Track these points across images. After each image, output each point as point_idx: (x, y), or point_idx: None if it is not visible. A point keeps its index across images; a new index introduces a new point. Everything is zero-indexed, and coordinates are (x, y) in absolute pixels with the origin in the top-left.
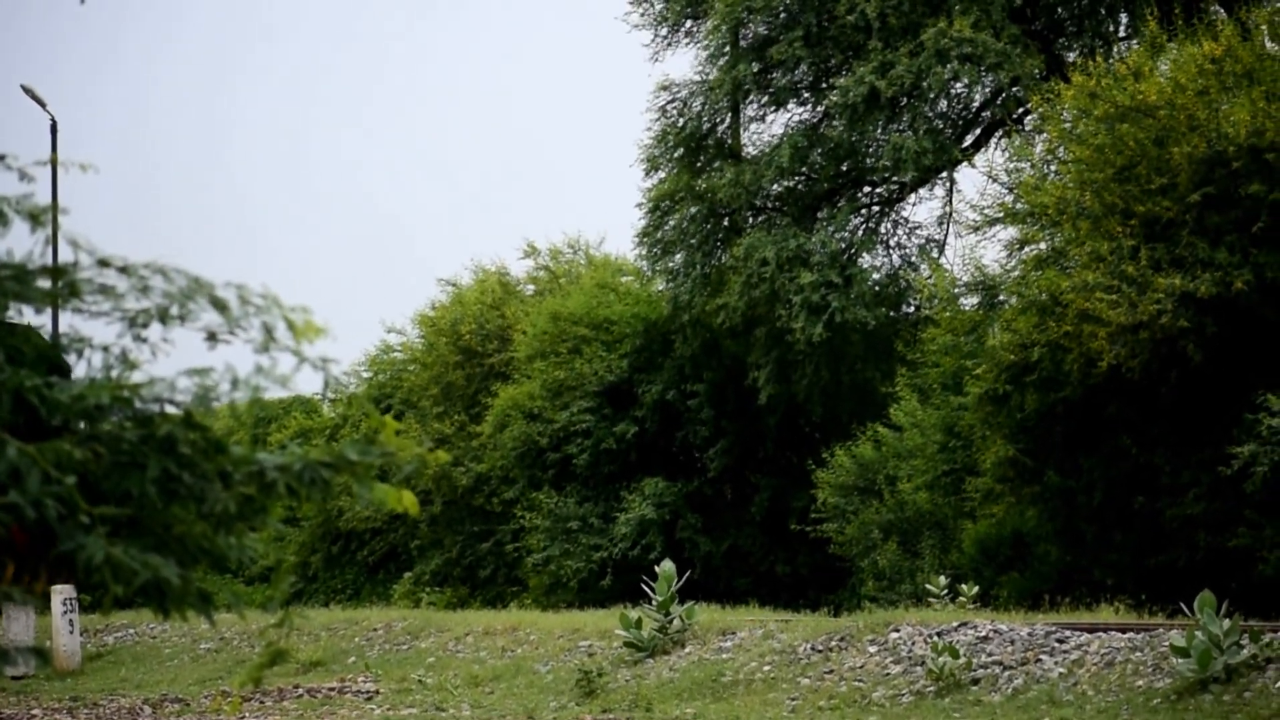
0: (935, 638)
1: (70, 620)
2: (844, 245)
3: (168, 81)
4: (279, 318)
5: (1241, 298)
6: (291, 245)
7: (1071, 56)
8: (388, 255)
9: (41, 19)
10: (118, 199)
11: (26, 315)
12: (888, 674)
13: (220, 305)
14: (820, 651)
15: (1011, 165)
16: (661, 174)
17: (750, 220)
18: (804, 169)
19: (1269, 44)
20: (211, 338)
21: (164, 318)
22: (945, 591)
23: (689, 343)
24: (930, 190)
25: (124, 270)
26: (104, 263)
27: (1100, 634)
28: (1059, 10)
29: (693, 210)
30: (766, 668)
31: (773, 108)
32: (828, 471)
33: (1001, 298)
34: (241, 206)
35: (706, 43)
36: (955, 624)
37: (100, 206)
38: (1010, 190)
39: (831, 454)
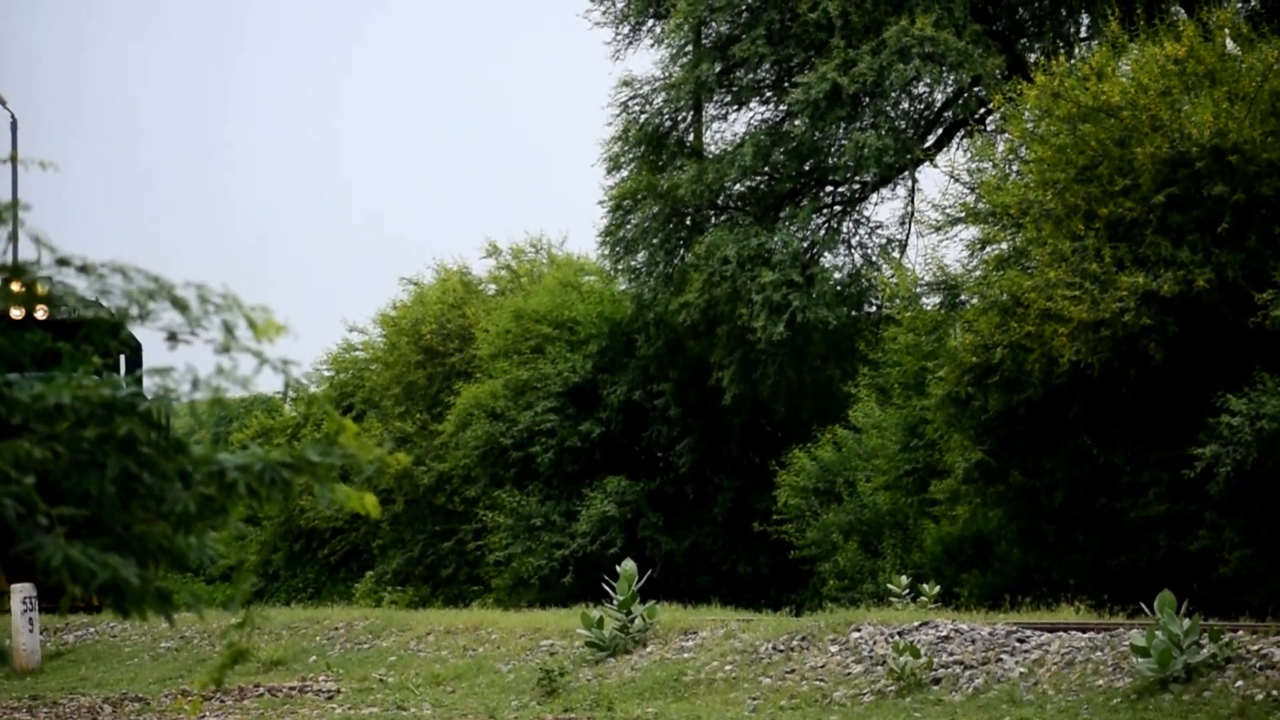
0: (896, 637)
1: (30, 619)
2: (806, 244)
3: (151, 81)
4: (239, 317)
5: (1203, 296)
6: (252, 243)
7: (1033, 56)
8: (349, 254)
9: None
10: (92, 198)
11: None
12: (849, 674)
13: (180, 305)
14: (781, 651)
15: (973, 165)
16: (624, 173)
17: (712, 219)
18: (766, 168)
19: (1230, 45)
20: (172, 337)
21: (124, 318)
22: (907, 591)
23: (651, 342)
24: (892, 190)
25: (84, 269)
26: (63, 262)
27: (1061, 634)
28: (1020, 10)
29: (655, 209)
30: (728, 667)
31: (735, 106)
32: (788, 473)
33: (963, 297)
34: (200, 204)
35: (669, 41)
36: (916, 624)
37: (72, 205)
38: (972, 190)
39: (791, 456)
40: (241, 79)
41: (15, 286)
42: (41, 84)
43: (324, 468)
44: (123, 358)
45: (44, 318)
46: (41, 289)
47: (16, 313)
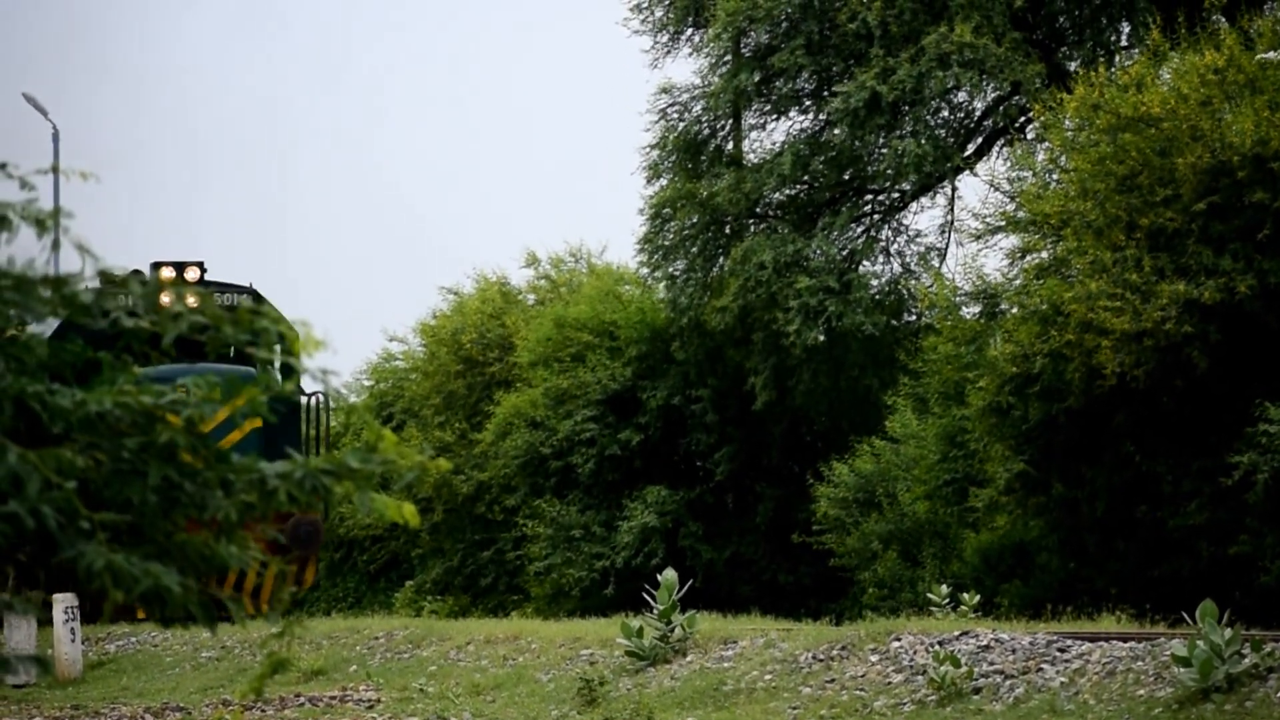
0: (936, 647)
1: (72, 629)
2: (844, 252)
3: (163, 90)
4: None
5: (1245, 304)
6: (293, 252)
7: (1073, 65)
8: (390, 264)
9: (42, 26)
10: (146, 204)
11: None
12: (889, 683)
13: (218, 320)
14: (821, 661)
15: (1013, 174)
16: (663, 181)
17: (751, 227)
18: (805, 176)
19: (1270, 53)
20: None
21: (163, 329)
22: (947, 601)
23: (687, 347)
24: (932, 198)
25: (116, 281)
26: (104, 274)
27: (1101, 643)
28: (1061, 18)
29: (693, 217)
30: (768, 676)
31: (774, 115)
32: (827, 485)
33: (1003, 307)
34: (241, 211)
35: (708, 51)
36: (956, 633)
37: (125, 210)
38: (1012, 199)
39: (830, 467)
40: (290, 89)
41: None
42: (99, 92)
43: (364, 475)
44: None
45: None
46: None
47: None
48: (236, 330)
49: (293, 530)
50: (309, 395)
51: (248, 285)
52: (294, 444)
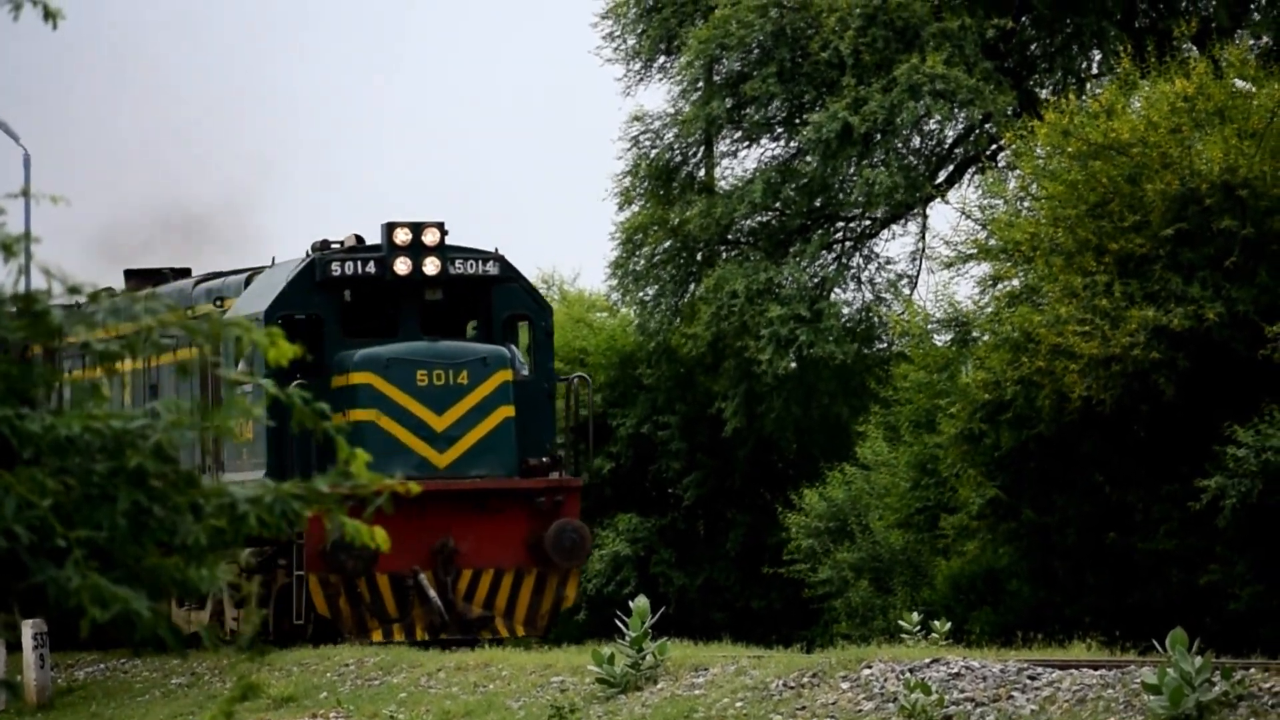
0: (907, 674)
1: (41, 655)
2: (815, 280)
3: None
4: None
5: (1213, 331)
6: None
7: (1044, 93)
8: None
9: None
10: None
11: None
12: (860, 710)
13: (193, 332)
14: (792, 688)
15: (984, 201)
16: (635, 207)
17: (722, 254)
18: (777, 204)
19: (1239, 82)
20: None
21: (134, 349)
22: (918, 628)
23: (656, 369)
24: (903, 226)
25: (93, 299)
26: (75, 290)
27: (1072, 671)
28: (1032, 47)
29: (665, 243)
30: (739, 704)
31: (746, 143)
32: (798, 514)
33: (974, 334)
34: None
35: (679, 78)
36: (927, 660)
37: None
38: (983, 226)
39: (800, 495)
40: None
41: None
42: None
43: (334, 499)
44: (531, 332)
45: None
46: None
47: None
48: (208, 342)
49: (555, 539)
50: (566, 379)
51: (494, 251)
52: (547, 433)
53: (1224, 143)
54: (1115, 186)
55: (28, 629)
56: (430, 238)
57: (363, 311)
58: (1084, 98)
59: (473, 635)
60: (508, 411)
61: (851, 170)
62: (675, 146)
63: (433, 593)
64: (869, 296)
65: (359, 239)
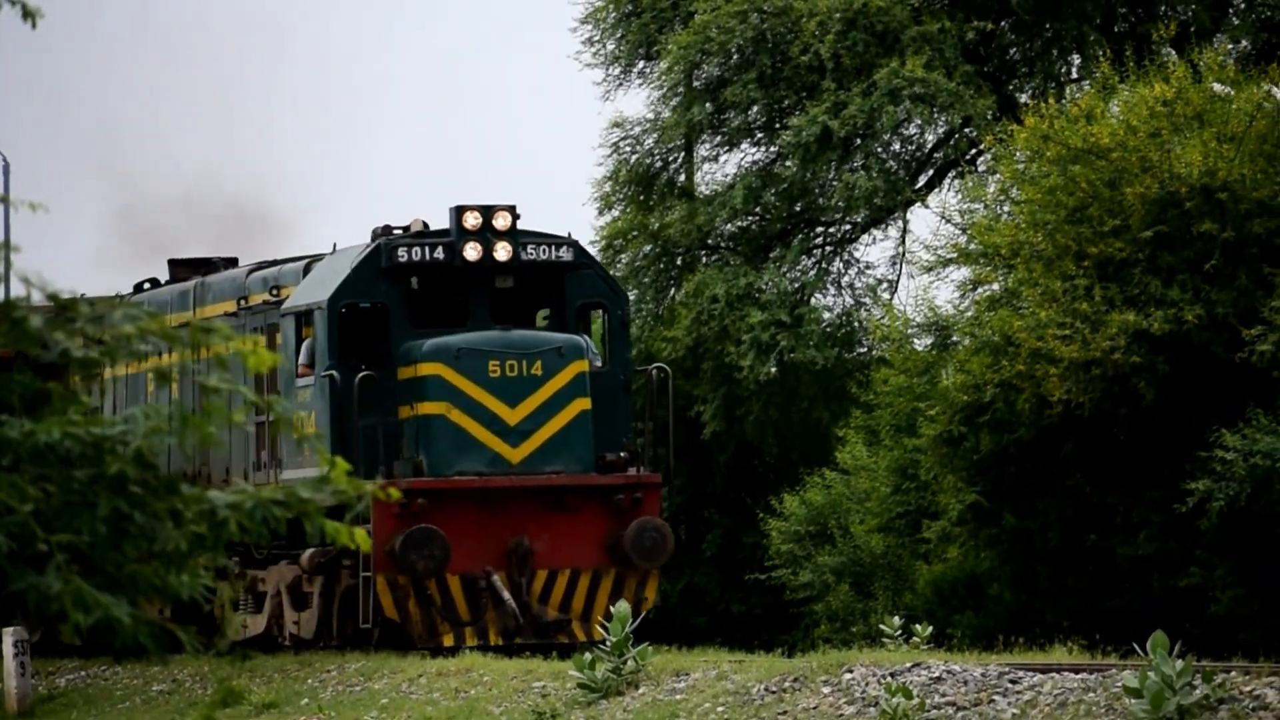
0: (889, 678)
1: (22, 662)
2: (795, 285)
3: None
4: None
5: (1193, 335)
6: None
7: (1024, 97)
8: None
9: None
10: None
11: None
12: (841, 715)
13: (172, 339)
14: (774, 692)
15: (964, 206)
16: (615, 212)
17: (703, 259)
18: (757, 209)
19: (1218, 86)
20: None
21: (113, 357)
22: (899, 632)
23: (636, 377)
24: (883, 230)
25: (72, 306)
26: (54, 298)
27: (1053, 675)
28: (1011, 51)
29: (645, 249)
30: (720, 709)
31: (726, 148)
32: (778, 519)
33: (954, 338)
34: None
35: (659, 83)
36: (908, 665)
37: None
38: (963, 231)
39: (780, 500)
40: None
41: None
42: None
43: (314, 505)
44: (606, 321)
45: None
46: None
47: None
48: (189, 350)
49: (635, 538)
50: (644, 370)
51: (568, 236)
52: (623, 427)
53: (1203, 146)
54: (1095, 190)
55: (8, 636)
56: (501, 222)
57: (430, 300)
58: (1063, 102)
59: (549, 639)
60: (584, 404)
61: (831, 175)
62: (655, 152)
63: (507, 595)
64: (849, 301)
65: (424, 224)
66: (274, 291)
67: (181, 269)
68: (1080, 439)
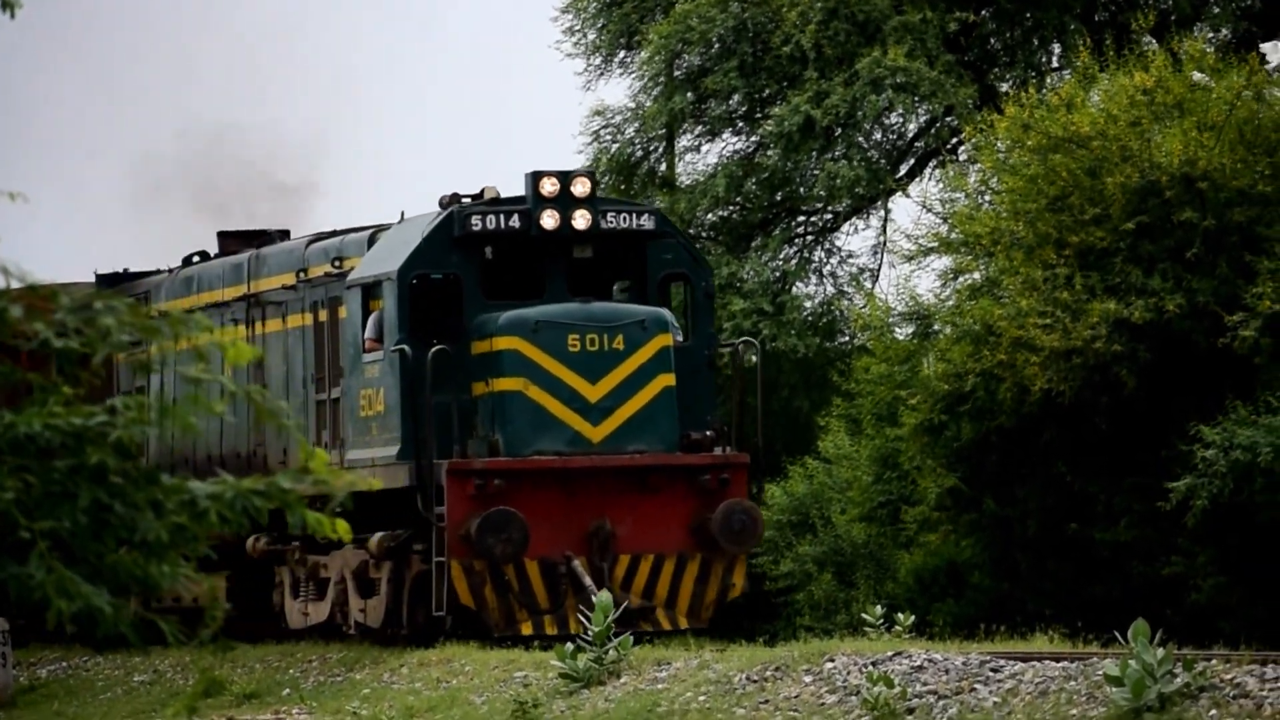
0: (870, 667)
1: (3, 653)
2: (777, 274)
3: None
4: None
5: (1174, 323)
6: None
7: (1005, 86)
8: None
9: None
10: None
11: None
12: (823, 704)
13: (152, 331)
14: (755, 682)
15: (946, 195)
16: None
17: None
18: (738, 198)
19: (1198, 75)
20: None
21: (93, 348)
22: (881, 621)
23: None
24: (865, 219)
25: (53, 298)
26: (35, 290)
27: (1035, 663)
28: (992, 40)
29: None
30: (702, 698)
31: (707, 137)
32: (761, 508)
33: (936, 327)
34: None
35: (640, 73)
36: (890, 653)
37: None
38: (944, 220)
39: (762, 489)
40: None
41: None
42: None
43: (295, 496)
44: (689, 293)
45: None
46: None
47: None
48: (162, 341)
49: (723, 521)
50: (730, 344)
51: (650, 204)
52: (707, 405)
53: (1184, 135)
54: (1075, 180)
55: None
56: (580, 188)
57: (505, 270)
58: (1044, 91)
59: (631, 628)
60: (668, 380)
61: (813, 164)
62: (636, 141)
63: (588, 581)
64: (831, 290)
65: (497, 192)
66: (336, 263)
67: (231, 241)
68: (1061, 427)
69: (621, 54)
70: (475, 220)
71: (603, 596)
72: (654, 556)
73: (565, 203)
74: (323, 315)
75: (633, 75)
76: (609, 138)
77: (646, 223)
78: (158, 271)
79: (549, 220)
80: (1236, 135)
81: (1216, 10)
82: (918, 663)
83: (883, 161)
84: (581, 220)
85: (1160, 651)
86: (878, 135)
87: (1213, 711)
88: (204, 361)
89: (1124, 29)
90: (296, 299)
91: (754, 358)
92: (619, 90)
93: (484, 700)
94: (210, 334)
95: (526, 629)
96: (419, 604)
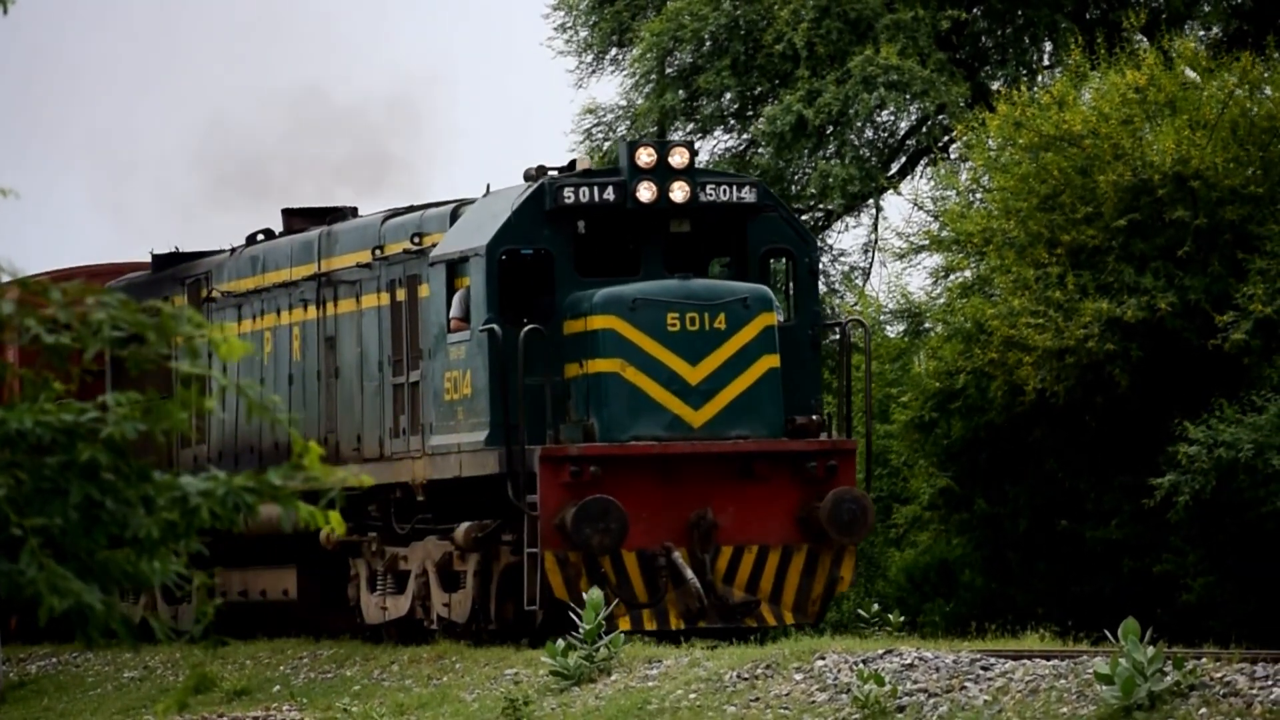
0: (860, 665)
1: None
2: None
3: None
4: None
5: (1166, 321)
6: None
7: (996, 85)
8: None
9: None
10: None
11: None
12: (813, 701)
13: (144, 326)
14: (746, 679)
15: (937, 193)
16: None
17: None
18: None
19: (1190, 73)
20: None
21: (84, 344)
22: (875, 619)
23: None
24: (856, 218)
25: (45, 290)
26: (24, 284)
27: (1025, 661)
28: (984, 39)
29: None
30: (692, 695)
31: (699, 135)
32: None
33: (927, 325)
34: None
35: (632, 71)
36: (881, 651)
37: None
38: (936, 218)
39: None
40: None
41: None
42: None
43: (287, 492)
44: (792, 269)
45: None
46: None
47: None
48: (160, 339)
49: (832, 510)
50: (837, 324)
51: (752, 177)
52: (812, 388)
53: (1176, 134)
54: (1067, 178)
55: None
56: (678, 159)
57: (598, 246)
58: (1035, 90)
59: (735, 623)
60: (772, 361)
61: (806, 162)
62: (628, 139)
63: (690, 573)
64: (822, 288)
65: (589, 162)
66: (416, 239)
67: (297, 219)
68: (1051, 425)
69: (613, 51)
70: (568, 192)
71: (593, 594)
72: (758, 548)
73: (662, 174)
74: (400, 294)
75: (624, 73)
76: (601, 136)
77: (748, 195)
78: (218, 251)
79: (645, 193)
80: (1229, 134)
81: (1207, 9)
82: (908, 661)
83: (874, 160)
84: (680, 192)
85: (1150, 650)
86: (869, 133)
87: (1202, 710)
88: (195, 356)
89: (1115, 27)
90: (371, 277)
91: (861, 337)
92: (611, 88)
93: (475, 697)
94: (202, 329)
95: (624, 624)
96: (508, 598)
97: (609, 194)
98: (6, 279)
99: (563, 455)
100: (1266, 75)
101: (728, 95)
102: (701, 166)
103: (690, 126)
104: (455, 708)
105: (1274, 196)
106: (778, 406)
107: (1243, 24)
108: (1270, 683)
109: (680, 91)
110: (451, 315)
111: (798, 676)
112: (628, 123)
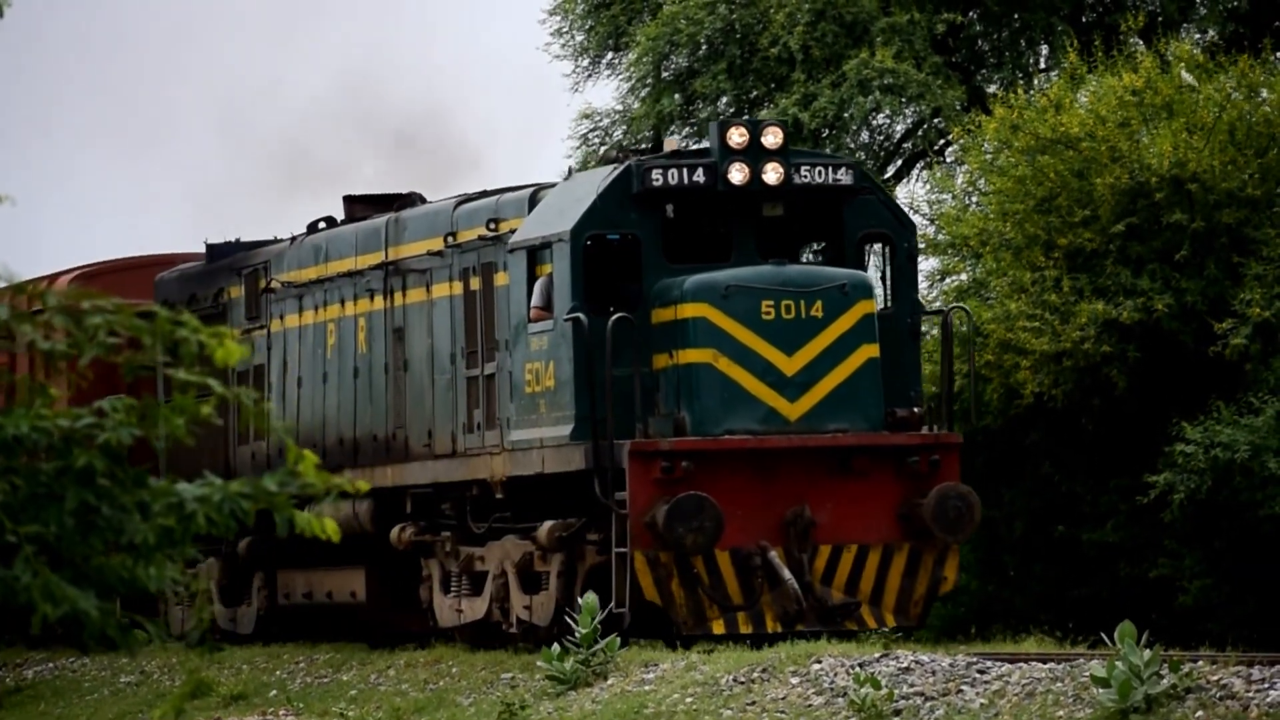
0: (857, 669)
1: None
2: None
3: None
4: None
5: (1163, 323)
6: None
7: (992, 88)
8: None
9: None
10: None
11: None
12: (810, 705)
13: (140, 330)
14: (742, 683)
15: (933, 196)
16: None
17: None
18: None
19: (1187, 76)
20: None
21: (80, 349)
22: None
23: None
24: None
25: (39, 297)
26: (21, 289)
27: (1021, 664)
28: (980, 42)
29: None
30: (689, 699)
31: (696, 139)
32: None
33: (923, 328)
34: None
35: (628, 75)
36: (877, 655)
37: None
38: (931, 221)
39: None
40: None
41: None
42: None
43: (282, 499)
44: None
45: None
46: None
47: None
48: (154, 342)
49: (936, 508)
50: (939, 312)
51: (849, 158)
52: (911, 379)
53: (1173, 137)
54: (1064, 181)
55: None
56: (771, 139)
57: (688, 230)
58: (1032, 92)
59: (834, 625)
60: (872, 351)
61: None
62: (625, 143)
63: (787, 574)
64: None
65: (676, 143)
66: (492, 225)
67: (359, 206)
68: (1048, 428)
69: (609, 56)
70: (656, 175)
71: (588, 598)
72: (858, 547)
73: (755, 155)
74: (474, 283)
75: (621, 77)
76: (597, 140)
77: (844, 177)
78: (275, 240)
79: (737, 175)
80: (1226, 137)
81: (1204, 12)
82: (905, 664)
83: (870, 163)
84: (773, 174)
85: (1147, 653)
86: (865, 137)
87: (1199, 713)
88: (192, 361)
89: (1112, 30)
90: (443, 266)
91: (964, 327)
92: (607, 92)
93: (471, 702)
94: (199, 332)
95: (718, 628)
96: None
97: (699, 176)
98: (2, 284)
99: (653, 450)
100: (1264, 78)
101: (724, 99)
102: (795, 148)
103: (686, 131)
104: (452, 712)
105: (1271, 200)
106: (878, 398)
107: (1240, 27)
108: (1267, 685)
109: (676, 96)
110: (533, 304)
111: (794, 680)
112: (624, 127)
